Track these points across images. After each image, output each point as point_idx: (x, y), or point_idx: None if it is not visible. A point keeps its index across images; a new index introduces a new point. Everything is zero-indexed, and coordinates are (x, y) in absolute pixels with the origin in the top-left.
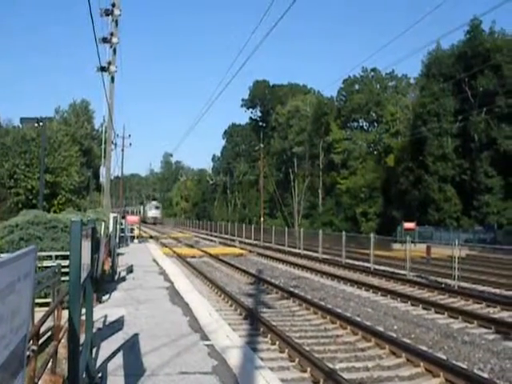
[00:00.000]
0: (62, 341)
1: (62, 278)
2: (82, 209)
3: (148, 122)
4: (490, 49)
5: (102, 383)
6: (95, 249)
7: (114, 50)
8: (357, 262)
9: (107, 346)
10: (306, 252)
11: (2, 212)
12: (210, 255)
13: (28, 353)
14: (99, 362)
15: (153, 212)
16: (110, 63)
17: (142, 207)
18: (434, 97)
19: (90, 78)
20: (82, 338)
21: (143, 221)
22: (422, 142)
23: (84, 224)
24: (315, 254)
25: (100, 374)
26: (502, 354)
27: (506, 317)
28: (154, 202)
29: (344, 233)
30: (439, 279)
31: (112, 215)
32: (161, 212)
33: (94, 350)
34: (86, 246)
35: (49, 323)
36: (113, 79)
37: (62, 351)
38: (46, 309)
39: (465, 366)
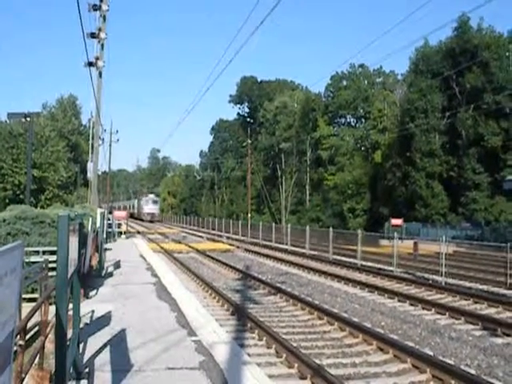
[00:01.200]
0: (50, 336)
1: (50, 274)
2: (69, 204)
3: (135, 118)
4: (478, 45)
5: (89, 378)
6: (82, 244)
7: (102, 46)
8: (344, 258)
9: (94, 342)
10: (293, 248)
11: None
12: (198, 251)
13: (15, 348)
14: (86, 358)
15: (150, 207)
16: (97, 58)
17: (135, 202)
18: (422, 93)
19: (77, 73)
20: (70, 334)
21: (138, 217)
22: (409, 138)
23: (71, 219)
24: (302, 250)
25: (87, 370)
26: (489, 351)
27: (493, 313)
28: (152, 196)
29: (331, 229)
30: (426, 275)
31: (99, 210)
32: (159, 207)
33: (81, 346)
34: (74, 241)
35: (36, 318)
36: (100, 74)
37: (50, 346)
38: (34, 304)
39: (452, 362)
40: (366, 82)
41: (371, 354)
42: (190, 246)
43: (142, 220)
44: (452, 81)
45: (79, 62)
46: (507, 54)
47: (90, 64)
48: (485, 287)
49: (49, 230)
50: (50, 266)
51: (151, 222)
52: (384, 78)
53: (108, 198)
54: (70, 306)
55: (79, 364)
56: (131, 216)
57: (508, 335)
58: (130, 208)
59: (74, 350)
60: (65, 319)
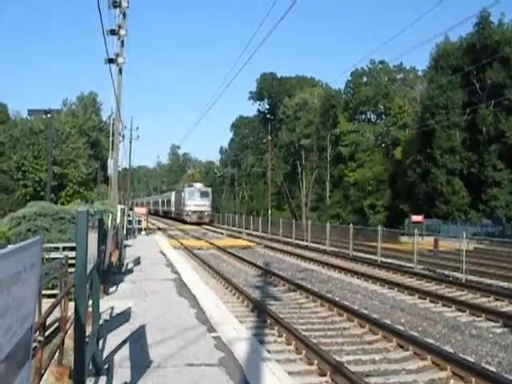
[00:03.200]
0: (69, 332)
1: (69, 270)
2: (89, 200)
3: (156, 114)
4: (499, 41)
5: (109, 375)
6: (102, 240)
7: (122, 42)
8: (364, 255)
9: (114, 338)
10: (313, 244)
11: (10, 204)
12: (218, 247)
13: (34, 344)
14: (106, 354)
15: (197, 202)
16: (117, 55)
17: (172, 195)
18: (442, 89)
19: (98, 69)
20: (89, 330)
21: (177, 217)
22: (429, 134)
23: (91, 215)
24: (322, 247)
25: (106, 366)
26: (510, 348)
27: None
28: (199, 185)
29: (351, 225)
30: (447, 272)
31: (119, 207)
32: (211, 202)
33: (101, 342)
34: (93, 237)
35: (56, 314)
36: (120, 71)
37: (69, 342)
38: (54, 300)
39: (472, 360)
40: (386, 78)
41: (391, 350)
42: (210, 243)
43: (184, 222)
44: (473, 77)
45: (100, 59)
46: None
47: (110, 61)
48: (505, 284)
49: (69, 226)
50: (70, 262)
51: (198, 224)
52: (404, 74)
53: (128, 195)
54: (90, 302)
55: (98, 360)
56: (165, 215)
57: None
58: (163, 204)
59: (93, 346)
60: (84, 315)
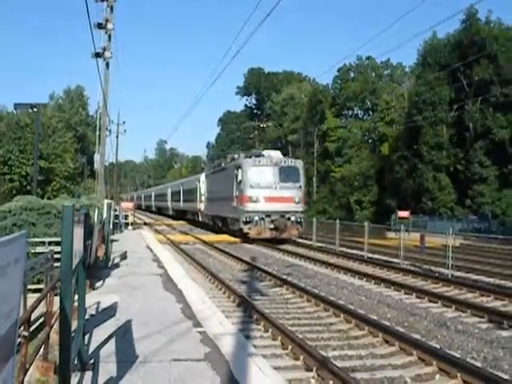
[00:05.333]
0: (55, 327)
1: (55, 264)
2: (76, 195)
3: (143, 109)
4: (486, 38)
5: (94, 370)
6: (88, 235)
7: (109, 36)
8: (351, 250)
9: (100, 333)
10: (299, 240)
11: None
12: (204, 242)
13: (19, 339)
14: (92, 349)
15: (274, 193)
16: (104, 49)
17: (201, 178)
18: (430, 86)
19: (85, 63)
20: (75, 325)
21: (213, 226)
22: (416, 130)
23: (77, 209)
24: (309, 242)
25: (92, 361)
26: (495, 343)
27: (500, 306)
28: (276, 154)
29: (338, 221)
30: (433, 268)
31: (106, 201)
32: (302, 191)
33: (87, 337)
34: (79, 231)
35: (42, 309)
36: (108, 65)
37: (55, 337)
38: (39, 295)
39: (458, 355)
40: (373, 74)
41: (377, 346)
42: (196, 238)
43: (236, 235)
44: (460, 73)
45: (87, 53)
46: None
47: (97, 55)
48: (491, 280)
49: (55, 220)
50: (56, 256)
51: (275, 241)
52: (391, 70)
53: (115, 190)
54: (76, 296)
55: (84, 355)
56: (193, 221)
57: None
58: (175, 198)
59: (78, 341)
60: (69, 310)
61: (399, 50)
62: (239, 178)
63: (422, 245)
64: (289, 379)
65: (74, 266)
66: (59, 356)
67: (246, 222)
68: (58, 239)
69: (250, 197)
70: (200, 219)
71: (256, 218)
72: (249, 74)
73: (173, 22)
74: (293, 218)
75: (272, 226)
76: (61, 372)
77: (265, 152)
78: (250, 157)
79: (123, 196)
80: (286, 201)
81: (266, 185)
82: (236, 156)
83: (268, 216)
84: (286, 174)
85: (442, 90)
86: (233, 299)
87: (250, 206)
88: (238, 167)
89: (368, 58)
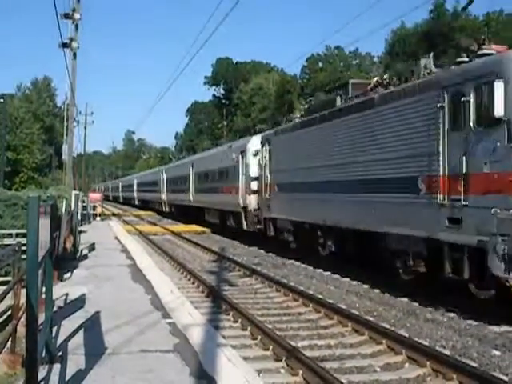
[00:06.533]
0: (22, 319)
1: (23, 256)
2: (44, 186)
3: (111, 100)
4: (454, 28)
5: (62, 362)
6: (56, 226)
7: (77, 27)
8: None
9: (68, 325)
10: None
11: None
12: (173, 233)
13: None
14: (60, 341)
15: None
16: (71, 40)
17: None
18: (398, 75)
19: (53, 54)
20: (42, 317)
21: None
22: None
23: (43, 201)
24: None
25: (60, 353)
26: (464, 332)
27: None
28: None
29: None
30: None
31: (74, 192)
32: None
33: (55, 329)
34: (45, 223)
35: (9, 302)
36: (75, 56)
37: (22, 330)
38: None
39: (427, 344)
40: (341, 63)
41: (346, 335)
42: (165, 228)
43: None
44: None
45: (55, 43)
46: (482, 36)
47: (64, 45)
48: None
49: (22, 212)
50: (24, 248)
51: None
52: (360, 59)
53: (83, 180)
54: (44, 288)
55: (52, 348)
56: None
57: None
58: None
59: (46, 333)
60: (36, 302)
61: (368, 40)
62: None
63: None
64: (258, 369)
65: (40, 258)
66: (26, 349)
67: None
68: (25, 231)
69: None
70: (164, 209)
71: None
72: (217, 64)
73: (142, 12)
74: None
75: None
76: (28, 365)
77: None
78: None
79: (96, 187)
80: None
81: None
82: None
83: None
84: None
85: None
86: (202, 290)
87: None
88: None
89: (337, 47)
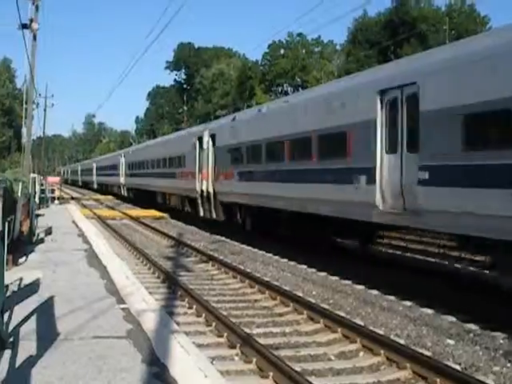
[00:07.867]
0: None
1: None
2: (2, 169)
3: (71, 82)
4: (417, 18)
5: (14, 348)
6: (11, 209)
7: (37, 7)
8: None
9: (21, 310)
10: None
11: None
12: (131, 217)
13: None
14: (12, 326)
15: None
16: (31, 20)
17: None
18: (360, 63)
19: (12, 34)
20: None
21: None
22: None
23: None
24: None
25: (12, 339)
26: (419, 321)
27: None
28: None
29: None
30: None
31: (32, 175)
32: None
33: (7, 314)
34: None
35: None
36: (35, 37)
37: None
38: None
39: (382, 332)
40: (303, 51)
41: (302, 323)
42: (123, 213)
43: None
44: (390, 52)
45: (14, 23)
46: (444, 27)
47: (24, 26)
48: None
49: None
50: None
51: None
52: (322, 47)
53: (43, 163)
54: None
55: (3, 333)
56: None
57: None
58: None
59: None
60: None
61: (330, 28)
62: None
63: None
64: (212, 357)
65: None
66: None
67: None
68: None
69: None
70: (123, 194)
71: None
72: (178, 49)
73: None
74: None
75: None
76: None
77: None
78: None
79: (61, 170)
80: None
81: None
82: None
83: None
84: None
85: (372, 67)
86: (157, 275)
87: None
88: None
89: (299, 34)
